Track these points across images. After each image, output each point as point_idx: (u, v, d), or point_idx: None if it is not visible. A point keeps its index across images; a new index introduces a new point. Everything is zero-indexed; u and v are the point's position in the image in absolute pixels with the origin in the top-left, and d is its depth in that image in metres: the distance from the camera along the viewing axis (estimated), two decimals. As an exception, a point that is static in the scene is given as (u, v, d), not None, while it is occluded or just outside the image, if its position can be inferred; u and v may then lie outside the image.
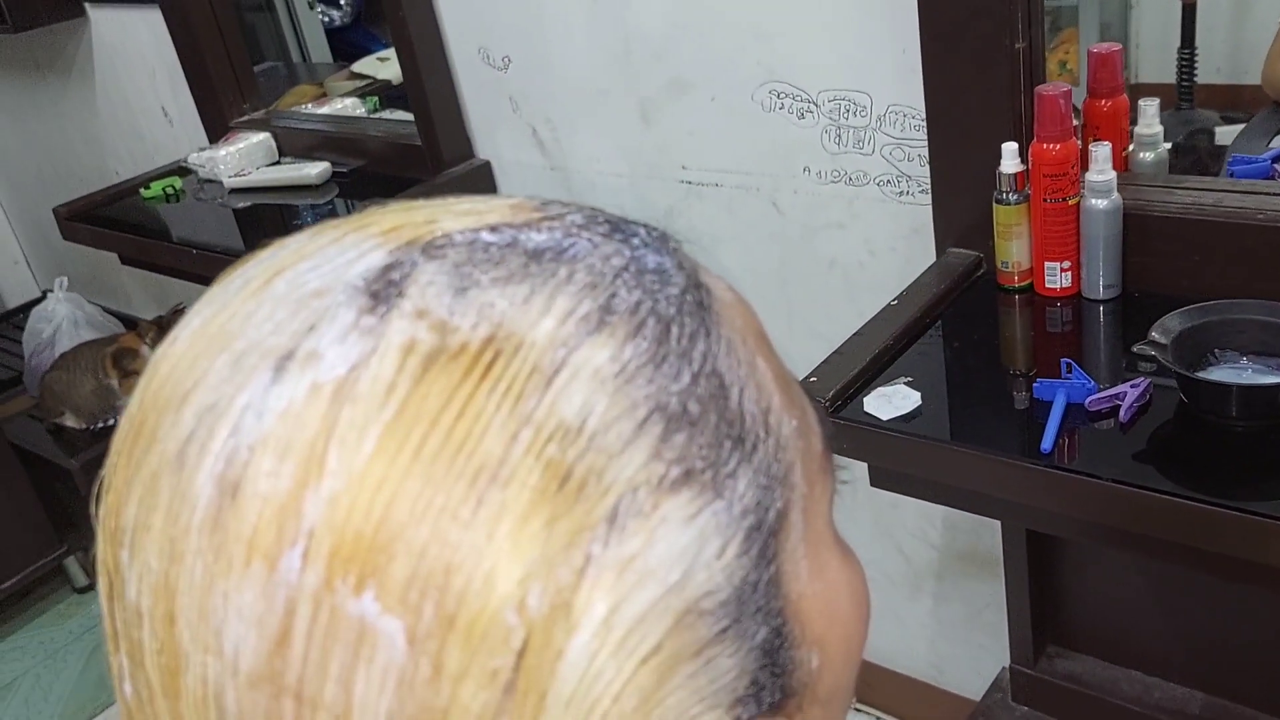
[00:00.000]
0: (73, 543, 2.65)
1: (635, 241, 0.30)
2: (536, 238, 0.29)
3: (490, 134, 1.78)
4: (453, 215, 0.30)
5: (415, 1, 1.68)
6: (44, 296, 2.98)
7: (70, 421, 2.65)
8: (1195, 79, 1.77)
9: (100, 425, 2.62)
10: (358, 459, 0.25)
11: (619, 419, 0.26)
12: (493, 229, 0.29)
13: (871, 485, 1.17)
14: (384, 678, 0.25)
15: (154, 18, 2.27)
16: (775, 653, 0.30)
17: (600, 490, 0.26)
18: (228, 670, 0.25)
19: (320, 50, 3.39)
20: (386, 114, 2.14)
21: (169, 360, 0.29)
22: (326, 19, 3.98)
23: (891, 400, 1.08)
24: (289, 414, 0.26)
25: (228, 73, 2.13)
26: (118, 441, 0.29)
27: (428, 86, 1.72)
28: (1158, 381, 1.01)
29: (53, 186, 2.99)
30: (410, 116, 1.81)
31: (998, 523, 1.48)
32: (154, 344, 2.63)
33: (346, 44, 3.89)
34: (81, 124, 2.77)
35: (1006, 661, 1.53)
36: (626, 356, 0.27)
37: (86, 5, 2.47)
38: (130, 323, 2.92)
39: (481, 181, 1.79)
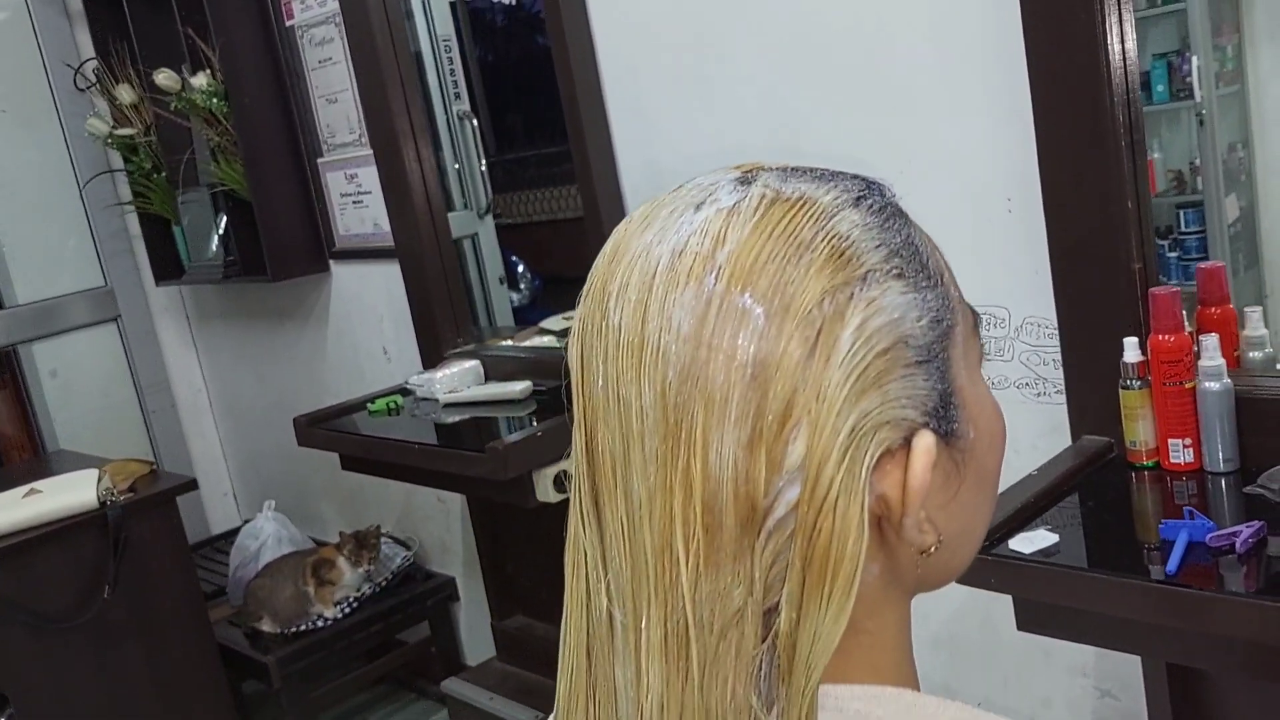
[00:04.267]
0: (254, 742, 2.84)
1: (872, 182, 0.54)
2: (819, 170, 0.54)
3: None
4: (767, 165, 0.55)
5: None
6: (242, 526, 3.32)
7: (267, 626, 2.91)
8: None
9: (293, 630, 2.86)
10: (741, 235, 0.49)
11: (865, 239, 0.50)
12: (793, 168, 0.54)
13: (1019, 629, 1.31)
14: (751, 335, 0.47)
15: (389, 270, 2.71)
16: (949, 403, 0.51)
17: (859, 264, 0.49)
18: (674, 337, 0.48)
19: (505, 318, 3.81)
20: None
21: (633, 220, 0.53)
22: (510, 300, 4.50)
23: (1033, 540, 1.25)
24: (705, 220, 0.50)
25: (448, 310, 2.52)
26: (598, 262, 0.53)
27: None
28: (1272, 524, 1.17)
29: (272, 424, 3.40)
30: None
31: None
32: (350, 556, 2.92)
33: (526, 322, 4.37)
34: (310, 366, 3.21)
35: None
36: (869, 219, 0.51)
37: (331, 261, 2.95)
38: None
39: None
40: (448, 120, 3.38)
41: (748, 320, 0.48)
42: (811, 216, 0.50)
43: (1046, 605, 1.26)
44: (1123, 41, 1.41)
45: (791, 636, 0.47)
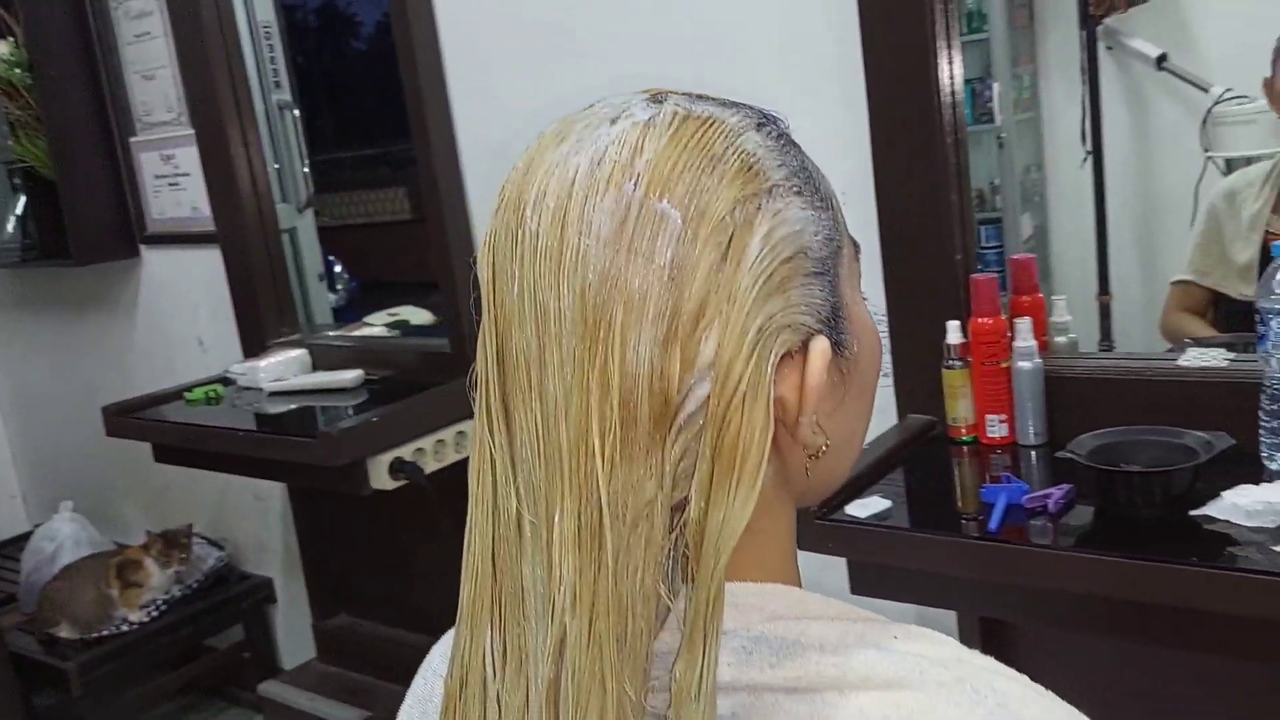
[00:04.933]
0: (48, 756, 2.66)
1: (768, 113, 0.57)
2: (722, 98, 0.57)
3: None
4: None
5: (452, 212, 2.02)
6: (33, 531, 3.11)
7: (65, 632, 2.73)
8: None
9: (94, 635, 2.70)
10: (657, 146, 0.51)
11: (769, 158, 0.53)
12: (698, 95, 0.56)
13: (852, 593, 1.38)
14: (668, 238, 0.50)
15: (207, 255, 2.60)
16: (838, 315, 0.55)
17: (765, 178, 0.52)
18: (594, 241, 0.50)
19: (324, 317, 3.71)
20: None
21: (544, 136, 0.54)
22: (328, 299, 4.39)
23: (867, 506, 1.32)
24: (623, 132, 0.52)
25: (272, 298, 2.44)
26: (510, 176, 0.54)
27: (461, 301, 2.03)
28: (1080, 486, 1.27)
29: (70, 419, 3.20)
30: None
31: None
32: (158, 556, 2.77)
33: (345, 322, 4.28)
34: (115, 357, 3.04)
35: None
36: (770, 143, 0.55)
37: (141, 246, 2.80)
38: (131, 546, 3.05)
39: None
40: (267, 110, 3.28)
41: (666, 225, 0.50)
42: (721, 133, 0.53)
43: (878, 567, 1.32)
44: (949, 45, 1.51)
45: (700, 523, 0.50)
